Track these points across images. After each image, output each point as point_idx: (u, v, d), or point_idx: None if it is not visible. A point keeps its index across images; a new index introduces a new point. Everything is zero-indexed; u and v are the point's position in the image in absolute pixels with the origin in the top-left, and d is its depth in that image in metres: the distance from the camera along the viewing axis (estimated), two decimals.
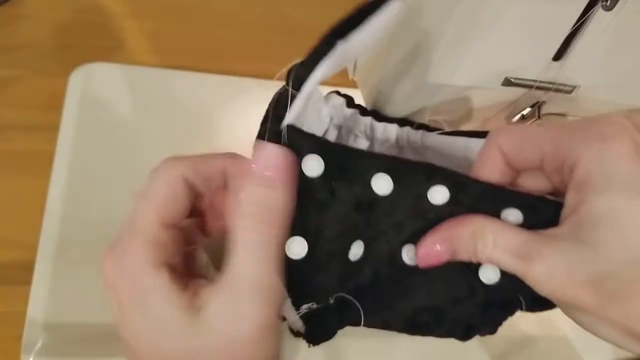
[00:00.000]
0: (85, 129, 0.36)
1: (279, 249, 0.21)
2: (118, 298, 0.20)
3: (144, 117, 0.37)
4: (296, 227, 0.22)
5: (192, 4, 0.45)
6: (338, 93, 0.28)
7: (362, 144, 0.29)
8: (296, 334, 0.27)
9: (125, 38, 0.42)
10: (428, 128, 0.28)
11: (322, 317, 0.26)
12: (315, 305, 0.26)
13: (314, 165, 0.21)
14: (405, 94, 0.26)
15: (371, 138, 0.29)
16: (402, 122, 0.29)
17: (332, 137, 0.28)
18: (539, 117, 0.27)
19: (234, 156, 0.23)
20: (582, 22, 0.23)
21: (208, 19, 0.45)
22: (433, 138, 0.28)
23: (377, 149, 0.29)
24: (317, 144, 0.22)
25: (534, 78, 0.25)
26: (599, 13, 0.22)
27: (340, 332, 0.27)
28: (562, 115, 0.28)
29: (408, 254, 0.24)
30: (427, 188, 0.23)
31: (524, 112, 0.28)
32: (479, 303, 0.26)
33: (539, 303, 0.25)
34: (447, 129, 0.27)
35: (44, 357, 0.29)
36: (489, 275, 0.24)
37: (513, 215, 0.22)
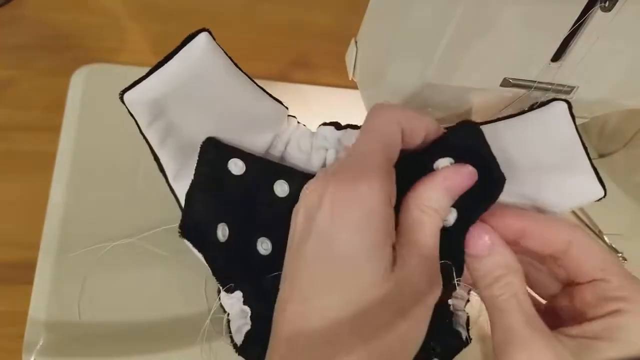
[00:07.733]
0: (86, 130, 0.36)
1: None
2: (332, 224, 0.21)
3: None
4: (222, 215, 0.26)
5: (193, 5, 0.45)
6: (325, 124, 0.28)
7: None
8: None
9: (126, 39, 0.42)
10: None
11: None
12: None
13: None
14: (404, 94, 0.27)
15: None
16: None
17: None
18: None
19: (433, 123, 0.24)
20: (581, 23, 0.23)
21: (208, 20, 0.45)
22: None
23: None
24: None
25: (532, 79, 0.25)
26: (597, 14, 0.22)
27: None
28: None
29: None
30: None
31: None
32: None
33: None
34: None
35: (46, 356, 0.29)
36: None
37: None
